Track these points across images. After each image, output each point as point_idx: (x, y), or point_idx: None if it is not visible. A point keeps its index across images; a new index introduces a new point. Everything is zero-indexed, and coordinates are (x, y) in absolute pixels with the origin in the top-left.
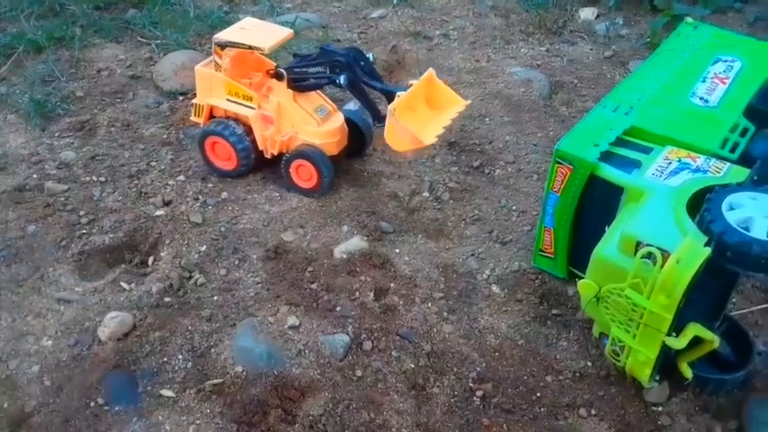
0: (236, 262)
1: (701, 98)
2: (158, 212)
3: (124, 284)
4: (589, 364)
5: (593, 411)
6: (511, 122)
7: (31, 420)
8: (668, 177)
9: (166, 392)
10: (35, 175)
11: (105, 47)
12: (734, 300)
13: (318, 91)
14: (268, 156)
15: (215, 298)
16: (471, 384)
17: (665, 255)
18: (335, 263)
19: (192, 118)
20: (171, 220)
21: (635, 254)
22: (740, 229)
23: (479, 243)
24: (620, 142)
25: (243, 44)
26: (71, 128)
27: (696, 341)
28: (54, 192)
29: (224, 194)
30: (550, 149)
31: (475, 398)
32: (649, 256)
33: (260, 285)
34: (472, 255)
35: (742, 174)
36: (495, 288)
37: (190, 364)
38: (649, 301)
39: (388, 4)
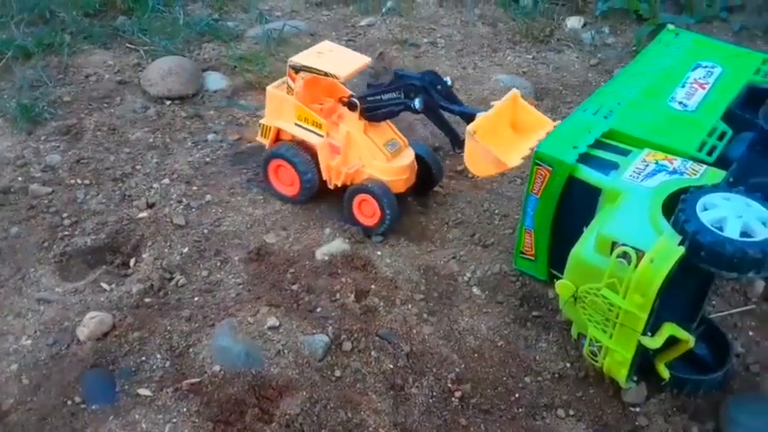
0: (218, 264)
1: (680, 102)
2: (141, 215)
3: (105, 285)
4: (568, 365)
5: (571, 412)
6: None
7: (8, 419)
8: (645, 179)
9: (144, 391)
10: (20, 178)
11: (94, 53)
12: (713, 302)
13: (392, 125)
14: (331, 186)
15: (195, 299)
16: (450, 385)
17: (640, 254)
18: (317, 264)
19: (258, 138)
20: (154, 223)
21: (611, 254)
22: (714, 229)
23: (461, 246)
24: (598, 145)
25: (318, 70)
26: (57, 132)
27: (672, 341)
28: (38, 194)
29: (208, 197)
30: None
31: (453, 398)
32: (624, 255)
33: (241, 286)
34: (453, 257)
35: (718, 176)
36: (475, 290)
37: (168, 363)
38: (625, 300)
39: (376, 12)
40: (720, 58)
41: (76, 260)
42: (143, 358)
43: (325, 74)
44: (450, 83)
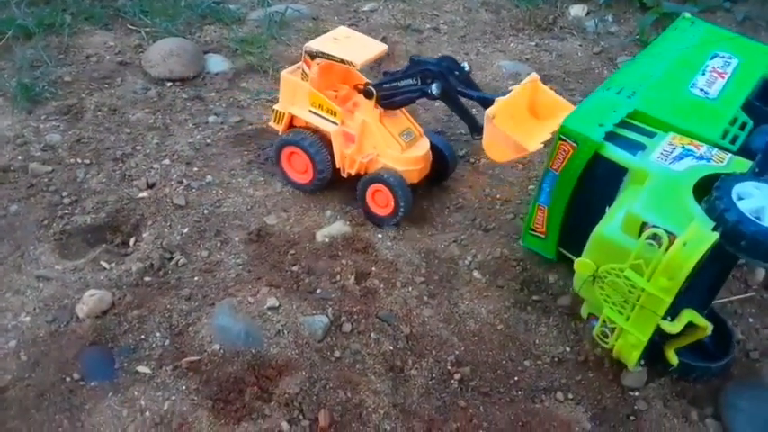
0: (218, 244)
1: (702, 90)
2: (142, 195)
3: (104, 264)
4: (567, 349)
5: (569, 395)
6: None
7: (6, 394)
8: (673, 162)
9: (143, 369)
10: (20, 157)
11: (95, 34)
12: None
13: (407, 114)
14: (344, 175)
15: (195, 278)
16: (449, 367)
17: (672, 237)
18: (317, 246)
19: (271, 124)
20: (154, 203)
21: (638, 234)
22: (755, 220)
23: (462, 230)
24: (623, 125)
25: (334, 57)
26: (57, 111)
27: (686, 328)
28: (38, 173)
29: (208, 178)
30: None
31: (453, 380)
32: (654, 237)
33: (241, 267)
34: (455, 241)
35: (744, 165)
36: (476, 274)
37: (167, 341)
38: (649, 282)
39: None
40: (736, 50)
41: (76, 238)
42: (142, 336)
43: (342, 61)
44: (467, 68)
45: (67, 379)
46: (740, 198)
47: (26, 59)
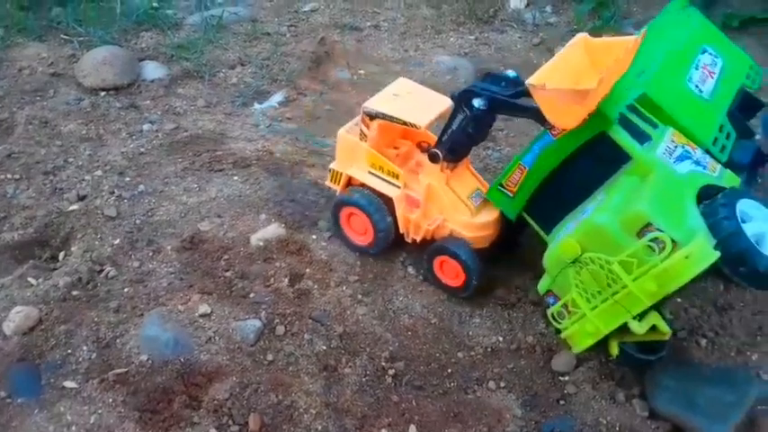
0: (150, 254)
1: (697, 86)
2: (72, 207)
3: (32, 280)
4: (500, 338)
5: (502, 384)
6: None
7: None
8: (676, 162)
9: (69, 384)
10: None
11: (28, 46)
12: None
13: (476, 173)
14: (408, 240)
15: (125, 290)
16: (383, 363)
17: (675, 245)
18: (252, 250)
19: (328, 183)
20: (84, 215)
21: (637, 232)
22: (760, 249)
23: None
24: (631, 108)
25: (396, 118)
26: None
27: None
28: None
29: (141, 187)
30: None
31: (387, 376)
32: (656, 241)
33: (173, 275)
34: None
35: (734, 180)
36: (411, 270)
37: (94, 355)
38: (635, 282)
39: None
40: (720, 49)
41: (3, 256)
42: (69, 351)
43: (404, 123)
44: (512, 75)
45: None
46: (743, 221)
47: None
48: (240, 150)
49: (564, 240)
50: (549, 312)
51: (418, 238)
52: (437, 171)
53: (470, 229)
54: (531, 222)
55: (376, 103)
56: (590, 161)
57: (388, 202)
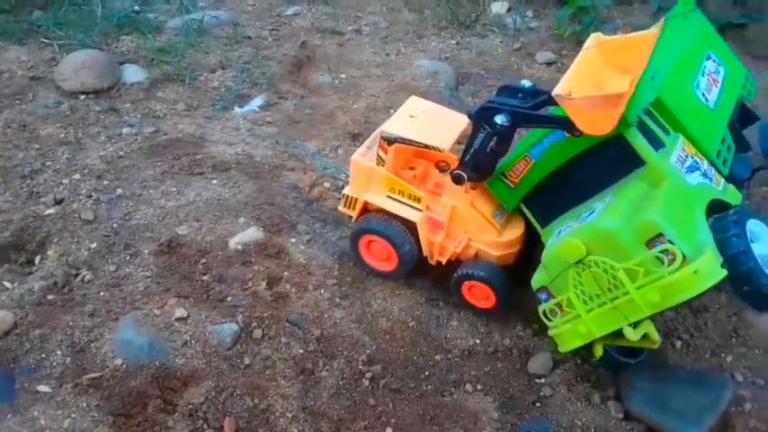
0: (127, 257)
1: (703, 95)
2: (48, 211)
3: (7, 284)
4: (477, 341)
5: (478, 386)
6: None
7: None
8: (687, 173)
9: (43, 388)
10: None
11: (8, 49)
12: None
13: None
14: (432, 262)
15: (101, 294)
16: (361, 367)
17: (685, 260)
18: (230, 254)
19: (341, 209)
20: (61, 219)
21: (647, 241)
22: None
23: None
24: (646, 112)
25: (418, 142)
26: None
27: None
28: None
29: (119, 191)
30: None
31: (364, 380)
32: (666, 253)
33: (150, 279)
34: None
35: (736, 196)
36: None
37: (68, 359)
38: (638, 291)
39: (302, 1)
40: (722, 58)
41: None
42: (43, 355)
43: (426, 146)
44: (528, 85)
45: None
46: (752, 241)
47: None
48: (220, 154)
49: (569, 241)
50: (540, 309)
51: (443, 260)
52: (461, 192)
53: (497, 248)
54: (527, 214)
55: (393, 127)
56: (600, 161)
57: (409, 225)
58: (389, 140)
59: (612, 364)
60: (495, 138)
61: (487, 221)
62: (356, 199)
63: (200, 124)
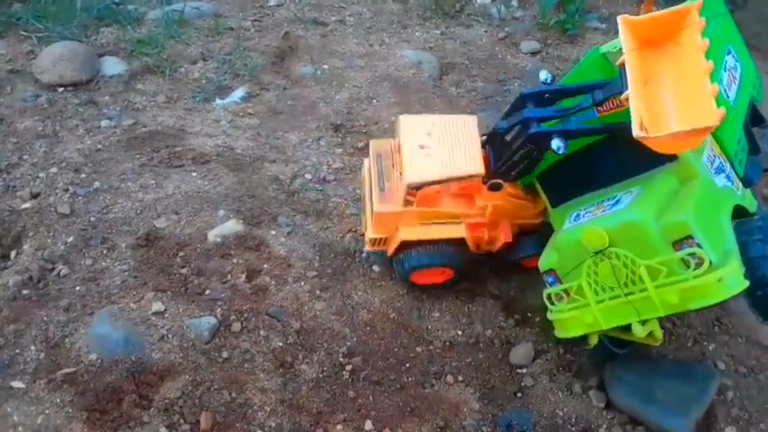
0: (105, 251)
1: (725, 90)
2: (24, 206)
3: None
4: (459, 332)
5: (459, 377)
6: (397, 103)
7: None
8: (714, 174)
9: (16, 384)
10: None
11: None
12: None
13: None
14: (482, 252)
15: (77, 288)
16: (341, 359)
17: (711, 266)
18: (209, 247)
19: (368, 248)
20: (37, 213)
21: (675, 241)
22: None
23: (359, 222)
24: None
25: (453, 178)
26: None
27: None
28: None
29: (96, 184)
30: None
31: (344, 372)
32: (694, 256)
33: (127, 273)
34: (351, 232)
35: (752, 202)
36: (371, 265)
37: (42, 354)
38: (657, 290)
39: None
40: (739, 54)
41: None
42: (17, 351)
43: (462, 178)
44: (544, 77)
45: None
46: None
47: None
48: (200, 146)
49: (592, 228)
50: (545, 292)
51: (494, 249)
52: (499, 196)
53: (538, 216)
54: (540, 191)
55: (415, 173)
56: (625, 150)
57: (452, 240)
58: (419, 188)
59: (602, 354)
60: (534, 150)
61: (524, 200)
62: (385, 238)
63: (181, 116)
